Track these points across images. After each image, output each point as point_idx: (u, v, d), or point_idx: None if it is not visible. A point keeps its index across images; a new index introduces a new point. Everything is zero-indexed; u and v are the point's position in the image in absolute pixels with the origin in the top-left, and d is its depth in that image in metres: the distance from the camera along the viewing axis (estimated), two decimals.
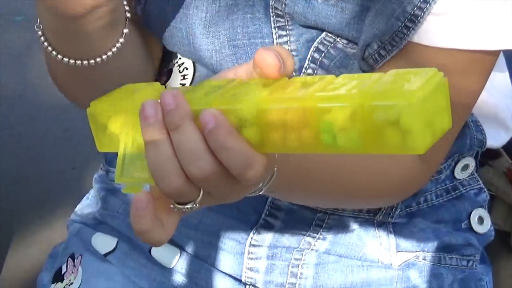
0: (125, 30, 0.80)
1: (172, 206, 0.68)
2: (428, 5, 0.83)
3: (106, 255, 1.03)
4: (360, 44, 0.88)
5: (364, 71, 0.91)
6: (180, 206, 0.68)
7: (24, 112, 1.60)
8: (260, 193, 0.75)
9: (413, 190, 0.95)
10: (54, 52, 0.80)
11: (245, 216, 0.99)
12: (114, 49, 0.81)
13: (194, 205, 0.68)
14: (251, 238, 0.99)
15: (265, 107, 0.62)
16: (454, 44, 0.84)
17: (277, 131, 0.62)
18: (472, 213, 1.05)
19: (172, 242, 1.02)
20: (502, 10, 0.83)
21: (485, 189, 1.07)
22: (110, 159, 1.09)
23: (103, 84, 0.83)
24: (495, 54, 0.87)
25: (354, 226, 0.99)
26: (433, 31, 0.85)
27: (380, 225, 1.00)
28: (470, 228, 1.05)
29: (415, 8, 0.83)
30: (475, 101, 0.91)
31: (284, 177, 0.73)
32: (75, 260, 1.04)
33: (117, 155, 1.06)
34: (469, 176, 1.05)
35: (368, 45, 0.88)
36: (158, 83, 0.75)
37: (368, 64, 0.90)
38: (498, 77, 1.04)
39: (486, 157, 1.17)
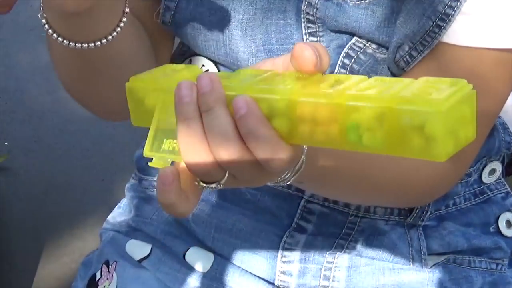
0: (127, 9, 0.82)
1: (196, 183, 0.69)
2: (458, 3, 0.84)
3: (140, 261, 1.03)
4: (391, 46, 0.90)
5: (394, 75, 0.93)
6: (205, 185, 0.69)
7: (53, 125, 1.62)
8: (288, 183, 0.76)
9: (443, 190, 0.96)
10: (60, 38, 0.80)
11: (278, 220, 1.00)
12: (118, 29, 0.82)
13: (219, 185, 0.69)
14: (284, 241, 1.00)
15: (296, 99, 0.64)
16: (483, 43, 0.86)
17: (305, 124, 0.64)
18: (500, 216, 1.06)
19: (206, 247, 1.02)
20: None
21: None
22: (143, 167, 1.10)
23: (107, 69, 0.86)
24: None
25: (385, 228, 1.00)
26: (462, 31, 0.86)
27: (411, 227, 1.00)
28: (498, 232, 1.06)
29: (446, 7, 0.85)
30: (503, 104, 0.92)
31: (313, 169, 0.74)
32: (110, 266, 1.05)
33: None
34: (496, 180, 1.06)
35: (399, 47, 0.89)
36: (197, 66, 0.76)
37: (399, 67, 0.91)
38: None
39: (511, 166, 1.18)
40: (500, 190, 1.06)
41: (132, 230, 1.07)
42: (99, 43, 0.81)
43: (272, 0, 0.90)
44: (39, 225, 1.43)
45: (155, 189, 1.06)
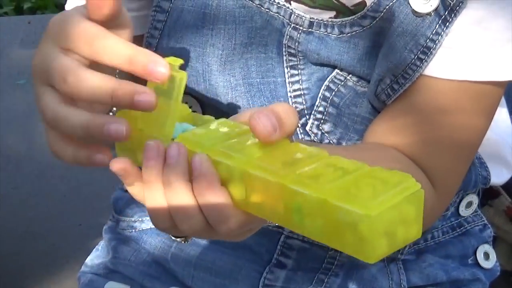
0: None
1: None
2: (440, 37, 0.85)
3: None
4: (373, 79, 0.89)
5: (374, 108, 0.92)
6: (173, 238, 0.74)
7: (30, 171, 1.61)
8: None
9: (430, 223, 0.96)
10: None
11: (258, 256, 0.99)
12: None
13: (183, 241, 0.74)
14: (264, 277, 0.99)
15: (248, 171, 0.64)
16: (464, 76, 0.86)
17: (256, 195, 0.64)
18: (478, 248, 1.06)
19: (185, 286, 1.01)
20: (509, 46, 0.85)
21: (489, 225, 1.07)
22: (120, 209, 1.09)
23: None
24: (503, 85, 0.88)
25: (365, 263, 0.99)
26: (443, 64, 0.86)
27: (390, 261, 1.00)
28: (476, 264, 1.05)
29: (428, 40, 0.85)
30: (483, 136, 0.93)
31: None
32: None
33: (127, 204, 1.06)
34: (473, 213, 1.06)
35: (381, 80, 0.89)
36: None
37: (379, 99, 0.91)
38: (499, 115, 1.05)
39: (486, 197, 1.18)
40: (478, 223, 1.06)
41: (110, 272, 1.06)
42: None
43: (252, 35, 0.90)
44: (16, 270, 1.42)
45: (132, 230, 1.05)
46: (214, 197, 0.65)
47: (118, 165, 0.68)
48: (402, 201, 0.60)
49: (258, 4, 0.89)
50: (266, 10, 0.89)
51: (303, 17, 0.88)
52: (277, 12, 0.89)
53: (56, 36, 0.70)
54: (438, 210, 0.94)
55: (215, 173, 0.65)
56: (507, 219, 1.21)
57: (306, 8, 0.89)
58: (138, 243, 1.04)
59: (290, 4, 0.89)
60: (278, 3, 0.89)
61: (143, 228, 1.04)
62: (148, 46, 0.94)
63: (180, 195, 0.66)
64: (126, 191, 1.10)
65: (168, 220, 0.68)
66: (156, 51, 0.93)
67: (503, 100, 1.06)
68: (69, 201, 1.54)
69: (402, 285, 0.99)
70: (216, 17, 0.90)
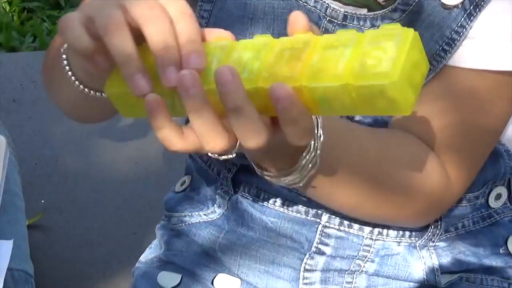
0: None
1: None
2: (464, 29, 0.90)
3: None
4: None
5: None
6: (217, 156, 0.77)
7: (87, 186, 1.68)
8: (302, 183, 0.84)
9: (447, 204, 1.00)
10: (81, 86, 0.85)
11: (299, 244, 1.04)
12: None
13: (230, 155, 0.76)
14: (305, 263, 1.03)
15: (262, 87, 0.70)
16: (485, 65, 0.91)
17: None
18: (509, 238, 1.08)
19: (232, 273, 1.06)
20: None
21: None
22: (171, 207, 1.14)
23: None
24: None
25: (399, 249, 1.03)
26: (466, 54, 0.91)
27: (422, 247, 1.03)
28: (508, 253, 1.08)
29: (453, 32, 0.91)
30: (504, 125, 0.97)
31: (326, 168, 0.82)
32: None
33: (178, 202, 1.12)
34: (502, 205, 1.09)
35: None
36: None
37: None
38: None
39: None
40: (507, 214, 1.09)
41: (163, 264, 1.11)
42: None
43: None
44: (75, 275, 1.48)
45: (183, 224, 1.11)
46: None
47: (154, 97, 0.72)
48: (409, 51, 0.66)
49: None
50: (304, 3, 0.94)
51: (338, 11, 0.94)
52: (314, 6, 0.94)
53: None
54: (456, 191, 0.98)
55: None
56: None
57: (340, 4, 0.94)
58: (188, 236, 1.10)
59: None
60: None
61: (193, 222, 1.10)
62: None
63: (251, 114, 0.71)
64: (177, 192, 1.16)
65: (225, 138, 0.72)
66: None
67: None
68: (123, 212, 1.60)
69: (435, 269, 1.03)
70: (256, 8, 0.95)
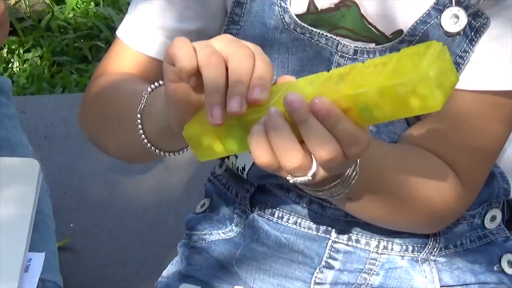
0: None
1: (289, 178, 0.77)
2: (467, 53, 0.92)
3: None
4: None
5: (408, 125, 0.98)
6: (295, 179, 0.77)
7: (112, 213, 1.70)
8: (340, 196, 0.85)
9: (456, 213, 1.00)
10: (153, 148, 0.90)
11: (309, 259, 1.04)
12: None
13: (308, 179, 0.77)
14: (315, 277, 1.04)
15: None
16: (485, 87, 0.93)
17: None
18: (502, 257, 1.08)
19: (248, 286, 1.07)
20: None
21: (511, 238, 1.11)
22: (192, 226, 1.15)
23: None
24: None
25: (402, 263, 1.03)
26: (468, 77, 0.93)
27: (424, 261, 1.04)
28: (501, 271, 1.08)
29: (457, 57, 0.92)
30: (501, 145, 0.98)
31: (362, 183, 0.84)
32: None
33: (198, 222, 1.12)
34: (497, 226, 1.09)
35: None
36: None
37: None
38: None
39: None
40: (501, 235, 1.09)
41: (183, 277, 1.11)
42: (177, 153, 0.91)
43: (304, 63, 0.97)
44: None
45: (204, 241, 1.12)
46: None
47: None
48: (437, 58, 0.71)
49: (309, 37, 0.96)
50: (316, 42, 0.96)
51: (349, 46, 0.95)
52: (325, 43, 0.96)
53: None
54: (462, 205, 0.99)
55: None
56: None
57: (350, 40, 0.96)
58: (208, 252, 1.10)
59: (337, 36, 0.96)
60: (326, 35, 0.96)
61: (212, 239, 1.10)
62: None
63: (316, 125, 0.74)
64: (197, 213, 1.17)
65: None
66: None
67: None
68: (145, 236, 1.62)
69: (435, 282, 1.03)
70: (271, 48, 0.97)
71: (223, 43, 0.78)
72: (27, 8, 2.85)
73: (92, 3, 2.76)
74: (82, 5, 2.81)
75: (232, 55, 0.76)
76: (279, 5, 0.96)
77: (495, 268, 1.08)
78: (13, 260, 1.07)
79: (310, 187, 0.84)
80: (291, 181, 0.78)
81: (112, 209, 1.72)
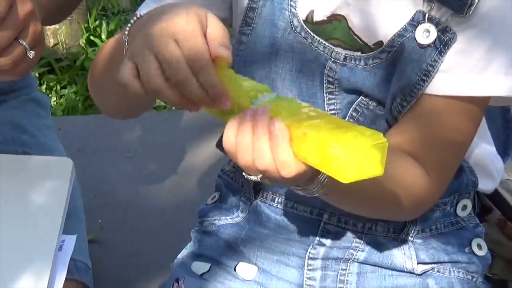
0: None
1: (244, 174, 0.83)
2: (436, 63, 0.95)
3: (202, 275, 1.11)
4: (388, 99, 0.99)
5: (389, 126, 1.02)
6: (248, 177, 0.83)
7: (136, 212, 1.75)
8: (316, 194, 0.87)
9: (429, 203, 1.03)
10: None
11: (304, 238, 1.08)
12: None
13: (256, 179, 0.82)
14: (309, 252, 1.07)
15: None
16: (453, 92, 0.96)
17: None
18: (473, 241, 1.12)
19: (251, 262, 1.10)
20: (486, 70, 0.96)
21: (481, 224, 1.14)
22: (204, 214, 1.19)
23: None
24: (483, 99, 0.98)
25: (384, 241, 1.07)
26: (438, 83, 0.97)
27: (403, 242, 1.07)
28: (471, 253, 1.11)
29: (428, 66, 0.96)
30: (469, 141, 1.01)
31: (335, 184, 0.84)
32: (179, 282, 1.13)
33: (209, 210, 1.16)
34: (468, 214, 1.12)
35: (394, 99, 0.99)
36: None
37: (393, 115, 1.00)
38: (484, 143, 1.14)
39: (482, 213, 1.23)
40: (471, 222, 1.13)
41: (195, 256, 1.15)
42: None
43: (304, 64, 1.01)
44: (123, 278, 1.54)
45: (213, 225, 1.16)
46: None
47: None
48: (371, 147, 0.74)
49: (310, 42, 1.00)
50: (315, 48, 1.00)
51: (340, 53, 0.99)
52: (322, 50, 1.00)
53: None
54: (435, 194, 1.02)
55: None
56: (498, 230, 1.26)
57: (341, 49, 1.00)
58: (217, 235, 1.14)
59: (331, 45, 1.00)
60: (324, 44, 1.00)
61: (221, 224, 1.14)
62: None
63: (264, 140, 0.79)
64: (208, 204, 1.21)
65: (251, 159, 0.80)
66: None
67: (488, 132, 1.16)
68: (164, 232, 1.66)
69: (413, 259, 1.07)
70: (279, 46, 1.01)
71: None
72: (64, 50, 2.90)
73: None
74: None
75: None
76: (289, 10, 1.00)
77: (466, 250, 1.11)
78: (49, 240, 1.10)
79: (282, 185, 0.91)
80: (245, 176, 0.83)
81: (135, 209, 1.77)
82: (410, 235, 1.07)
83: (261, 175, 0.82)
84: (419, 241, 1.08)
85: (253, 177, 0.83)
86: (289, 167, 0.79)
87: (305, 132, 0.77)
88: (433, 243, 1.09)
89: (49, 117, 1.51)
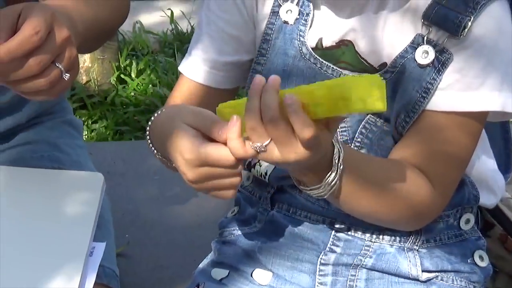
0: None
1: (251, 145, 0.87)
2: (435, 81, 1.00)
3: (221, 280, 1.15)
4: (392, 116, 1.04)
5: (396, 142, 1.06)
6: (253, 145, 0.87)
7: (161, 229, 1.80)
8: (325, 196, 0.91)
9: (433, 214, 1.06)
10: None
11: (316, 245, 1.12)
12: None
13: (262, 148, 0.86)
14: (321, 258, 1.10)
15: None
16: (452, 108, 1.01)
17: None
18: (475, 252, 1.14)
19: (266, 268, 1.14)
20: (481, 87, 1.00)
21: (483, 238, 1.17)
22: (224, 225, 1.23)
23: None
24: (480, 115, 1.02)
25: (391, 249, 1.10)
26: (438, 100, 1.01)
27: (408, 250, 1.10)
28: (474, 264, 1.14)
29: (428, 84, 1.00)
30: (469, 155, 1.04)
31: (345, 186, 0.93)
32: (200, 286, 1.17)
33: (228, 222, 1.21)
34: (471, 228, 1.15)
35: (398, 115, 1.03)
36: None
37: (398, 131, 1.04)
38: (486, 159, 1.17)
39: (485, 229, 1.25)
40: (474, 235, 1.16)
41: (215, 264, 1.19)
42: None
43: None
44: None
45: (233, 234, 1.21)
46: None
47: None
48: (370, 84, 0.80)
49: (319, 67, 1.05)
50: (325, 72, 1.05)
51: (348, 75, 1.04)
52: (331, 74, 1.05)
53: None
54: (438, 205, 1.05)
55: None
56: (500, 244, 1.28)
57: (349, 71, 1.05)
58: (235, 244, 1.18)
59: (340, 68, 1.05)
60: (332, 67, 1.05)
61: (239, 233, 1.19)
62: None
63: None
64: (228, 217, 1.26)
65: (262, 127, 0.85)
66: None
67: (490, 150, 1.20)
68: (187, 248, 1.70)
69: (417, 267, 1.10)
70: (291, 72, 1.06)
71: None
72: (96, 87, 2.95)
73: (150, 84, 2.87)
74: (142, 86, 2.92)
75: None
76: (298, 39, 1.06)
77: (468, 261, 1.14)
78: (80, 246, 1.14)
79: (300, 185, 0.96)
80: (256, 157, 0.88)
81: (160, 226, 1.82)
82: (416, 244, 1.10)
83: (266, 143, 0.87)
84: (423, 250, 1.11)
85: (264, 167, 0.89)
86: (310, 125, 0.83)
87: (312, 89, 0.83)
88: (437, 253, 1.12)
89: (81, 138, 1.57)
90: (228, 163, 0.88)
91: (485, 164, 1.16)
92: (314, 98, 0.83)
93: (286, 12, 1.07)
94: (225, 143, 0.89)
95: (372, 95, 0.80)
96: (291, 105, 0.83)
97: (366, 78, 0.81)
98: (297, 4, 1.07)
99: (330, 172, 0.93)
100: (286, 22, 1.07)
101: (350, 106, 0.80)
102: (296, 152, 0.86)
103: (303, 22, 1.06)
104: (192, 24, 3.38)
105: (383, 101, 0.81)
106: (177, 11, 3.55)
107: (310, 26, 1.06)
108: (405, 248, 1.11)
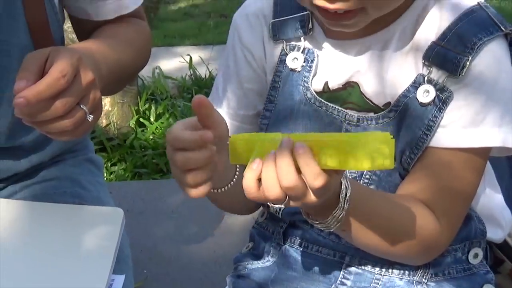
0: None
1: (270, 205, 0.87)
2: (437, 118, 1.01)
3: None
4: (397, 152, 1.05)
5: (403, 178, 1.07)
6: (274, 206, 0.88)
7: (178, 265, 1.81)
8: (332, 229, 0.93)
9: (440, 248, 1.06)
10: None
11: (327, 279, 1.12)
12: (233, 180, 1.01)
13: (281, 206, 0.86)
14: None
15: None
16: (454, 145, 1.02)
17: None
18: (483, 286, 1.14)
19: None
20: (482, 123, 1.01)
21: (491, 272, 1.16)
22: (239, 260, 1.24)
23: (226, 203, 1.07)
24: (482, 151, 1.03)
25: (400, 283, 1.10)
26: (441, 137, 1.02)
27: (417, 283, 1.10)
28: None
29: (429, 121, 1.01)
30: (473, 190, 1.05)
31: (350, 220, 0.93)
32: None
33: (243, 257, 1.22)
34: (479, 262, 1.15)
35: (403, 152, 1.04)
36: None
37: (404, 167, 1.05)
38: (492, 194, 1.18)
39: (495, 265, 1.24)
40: (483, 269, 1.15)
41: None
42: (222, 189, 1.00)
43: (322, 128, 1.07)
44: None
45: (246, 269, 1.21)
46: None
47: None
48: (380, 141, 0.82)
49: (325, 110, 1.07)
50: (330, 113, 1.07)
51: (353, 116, 1.06)
52: (337, 114, 1.07)
53: None
54: (445, 239, 1.05)
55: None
56: (510, 281, 1.27)
57: (354, 111, 1.07)
58: (249, 277, 1.19)
59: (346, 109, 1.08)
60: (338, 109, 1.07)
61: (253, 267, 1.20)
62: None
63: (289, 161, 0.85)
64: (243, 253, 1.27)
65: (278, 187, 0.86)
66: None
67: (496, 183, 1.20)
68: (204, 282, 1.73)
69: None
70: (296, 116, 1.08)
71: None
72: (115, 130, 2.99)
73: (168, 128, 2.93)
74: (160, 130, 2.96)
75: None
76: (303, 85, 1.09)
77: None
78: (100, 277, 1.15)
79: (309, 218, 0.96)
80: (270, 206, 0.88)
81: (177, 263, 1.84)
82: (424, 277, 1.11)
83: (285, 200, 0.87)
84: (432, 283, 1.11)
85: (277, 206, 0.88)
86: (320, 175, 0.84)
87: (323, 141, 0.84)
88: (446, 286, 1.11)
89: (102, 176, 1.59)
90: (193, 138, 0.89)
91: (491, 198, 1.16)
92: (325, 150, 0.84)
93: (292, 60, 1.10)
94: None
95: (380, 153, 0.81)
96: (302, 155, 0.84)
97: (375, 136, 0.82)
98: (303, 52, 1.10)
99: (336, 208, 0.94)
100: (293, 70, 1.10)
101: (359, 164, 0.82)
102: (306, 200, 0.88)
103: (308, 68, 1.09)
104: (210, 70, 3.43)
105: (391, 160, 0.82)
106: (195, 57, 3.61)
107: (315, 72, 1.09)
108: (414, 282, 1.11)
